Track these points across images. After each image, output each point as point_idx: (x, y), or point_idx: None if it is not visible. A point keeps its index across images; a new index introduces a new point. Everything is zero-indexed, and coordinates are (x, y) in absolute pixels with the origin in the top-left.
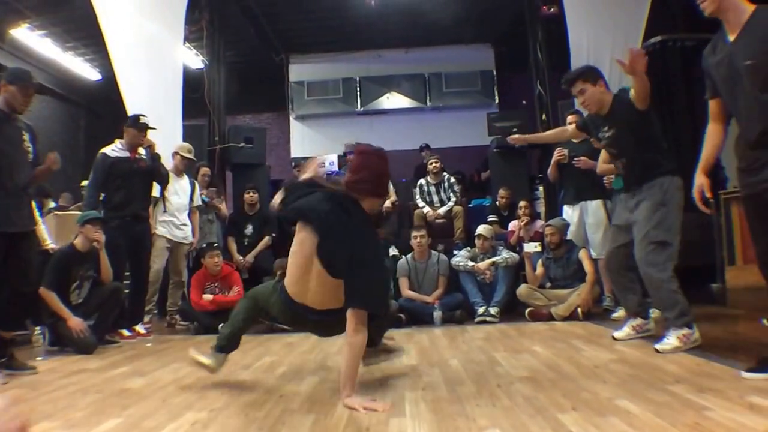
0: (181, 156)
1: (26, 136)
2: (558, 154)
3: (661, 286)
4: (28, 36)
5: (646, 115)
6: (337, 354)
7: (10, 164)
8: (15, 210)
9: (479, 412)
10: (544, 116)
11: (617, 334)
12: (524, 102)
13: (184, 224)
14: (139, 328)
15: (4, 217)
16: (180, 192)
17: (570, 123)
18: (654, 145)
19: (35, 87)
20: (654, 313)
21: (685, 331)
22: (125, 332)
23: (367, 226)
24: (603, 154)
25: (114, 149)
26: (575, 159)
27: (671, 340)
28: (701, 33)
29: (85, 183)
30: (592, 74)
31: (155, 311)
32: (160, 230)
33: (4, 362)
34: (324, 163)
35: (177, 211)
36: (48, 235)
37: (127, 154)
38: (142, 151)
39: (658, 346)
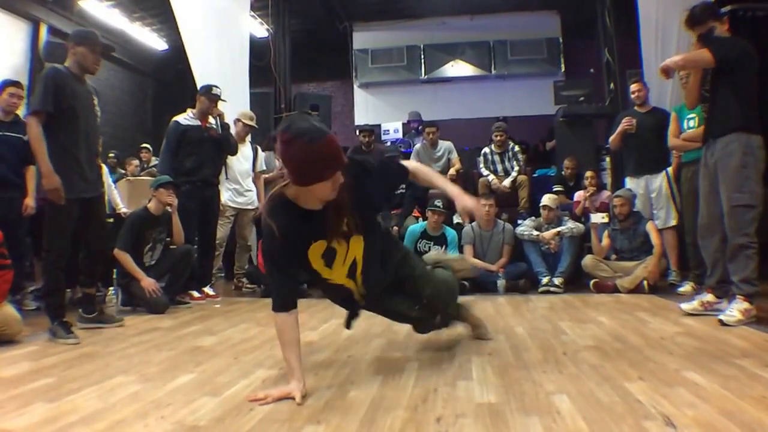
0: (243, 123)
1: (95, 100)
2: (626, 123)
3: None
4: (96, 7)
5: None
6: None
7: (87, 129)
8: (91, 175)
9: (546, 378)
10: (612, 85)
11: (685, 306)
12: (591, 70)
13: (248, 190)
14: (208, 290)
15: (83, 183)
16: (242, 158)
17: (633, 93)
18: (742, 95)
19: (102, 45)
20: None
21: (747, 305)
22: (195, 293)
23: None
24: (673, 127)
25: (186, 117)
26: (626, 122)
27: (734, 312)
28: None
29: (145, 145)
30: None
31: (220, 275)
32: (223, 197)
33: (95, 317)
34: None
35: (240, 177)
36: (120, 199)
37: (198, 122)
38: (212, 120)
39: (722, 317)
